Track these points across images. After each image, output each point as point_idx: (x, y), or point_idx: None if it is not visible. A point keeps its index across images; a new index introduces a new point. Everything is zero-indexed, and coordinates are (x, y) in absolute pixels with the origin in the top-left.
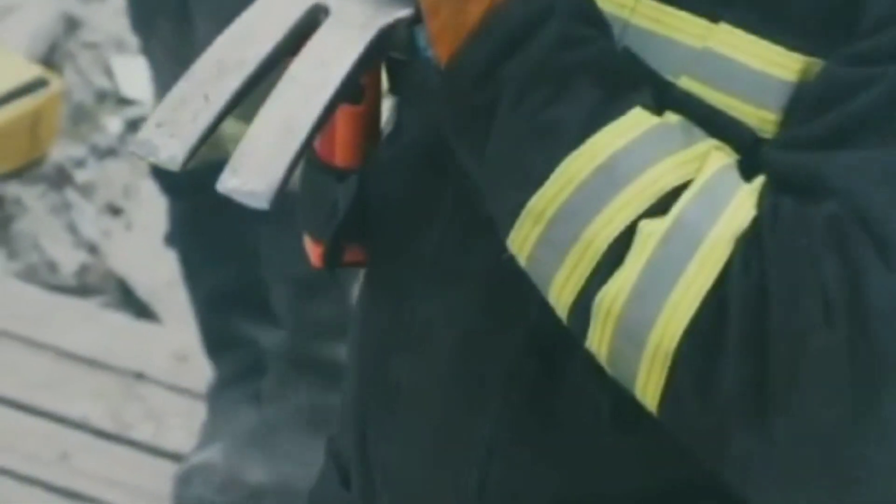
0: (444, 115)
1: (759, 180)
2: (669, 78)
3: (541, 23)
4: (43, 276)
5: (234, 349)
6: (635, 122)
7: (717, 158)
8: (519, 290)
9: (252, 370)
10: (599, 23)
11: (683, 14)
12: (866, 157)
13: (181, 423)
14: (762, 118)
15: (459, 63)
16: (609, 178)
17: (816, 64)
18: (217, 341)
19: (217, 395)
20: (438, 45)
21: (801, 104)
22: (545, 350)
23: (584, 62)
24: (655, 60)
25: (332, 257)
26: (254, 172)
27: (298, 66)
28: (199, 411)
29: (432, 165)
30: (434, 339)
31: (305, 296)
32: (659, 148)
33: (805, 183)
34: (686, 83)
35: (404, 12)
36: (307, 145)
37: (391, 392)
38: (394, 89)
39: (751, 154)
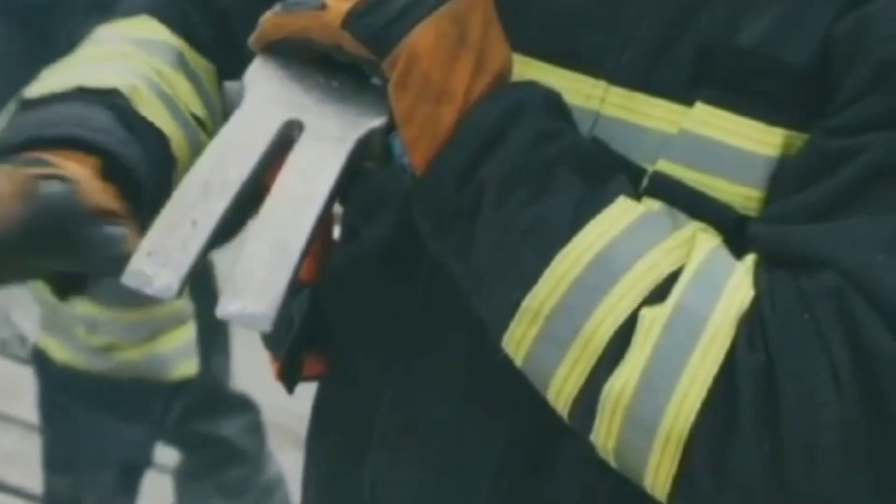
0: (423, 220)
1: (751, 258)
2: (646, 163)
3: (514, 121)
4: (13, 349)
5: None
6: (621, 212)
7: (705, 240)
8: (503, 383)
9: (219, 462)
10: (567, 114)
11: (656, 100)
12: (861, 226)
13: None
14: (745, 195)
15: (437, 169)
16: (604, 271)
17: (798, 138)
18: (183, 444)
19: (185, 487)
20: (414, 152)
21: (786, 178)
22: (533, 441)
23: (561, 156)
24: (630, 147)
25: (291, 372)
26: (253, 295)
27: (283, 184)
28: None
29: (396, 268)
30: (413, 438)
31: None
32: (648, 236)
33: (799, 256)
34: (664, 166)
35: (378, 122)
36: (302, 262)
37: (365, 497)
38: (346, 198)
39: (736, 232)
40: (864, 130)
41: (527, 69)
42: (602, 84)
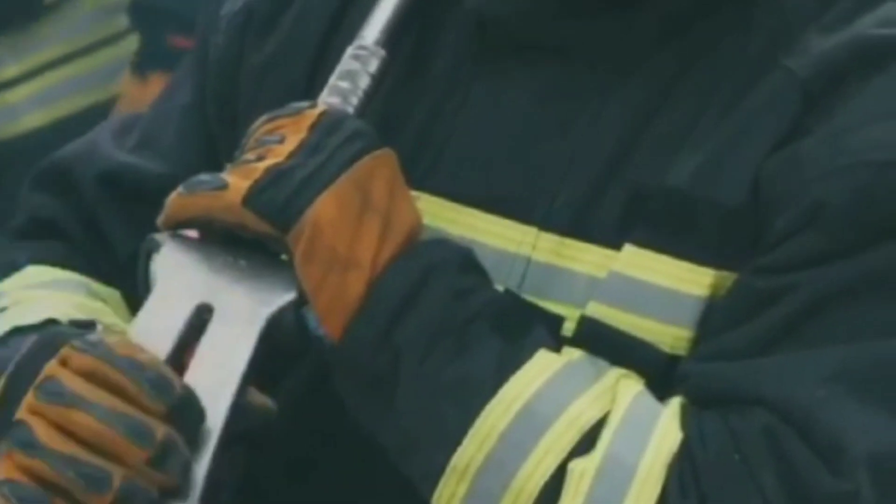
0: (344, 389)
1: (679, 400)
2: (575, 307)
3: (427, 283)
4: None
5: None
6: (543, 365)
7: (628, 386)
8: None
9: None
10: (481, 269)
11: (585, 245)
12: (794, 362)
13: None
14: (675, 335)
15: (352, 337)
16: (529, 425)
17: (727, 277)
18: None
19: None
20: (328, 323)
21: (716, 317)
22: None
23: (478, 313)
24: (561, 292)
25: None
26: None
27: (196, 372)
28: None
29: (310, 427)
30: None
31: None
32: (572, 386)
33: (729, 394)
34: (594, 309)
35: (287, 298)
36: (221, 448)
37: None
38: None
39: (666, 373)
40: (795, 269)
41: (456, 215)
42: (533, 230)
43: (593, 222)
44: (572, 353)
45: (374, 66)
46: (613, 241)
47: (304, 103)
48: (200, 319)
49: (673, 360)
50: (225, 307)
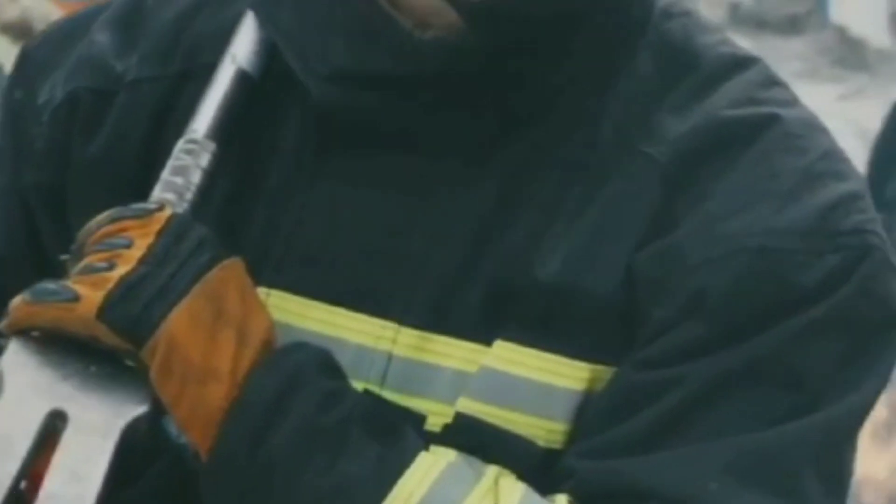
0: (211, 498)
1: (564, 498)
2: (444, 402)
3: (292, 388)
4: None
5: None
6: (426, 467)
7: (510, 485)
8: None
9: None
10: (340, 371)
11: (452, 340)
12: (687, 455)
13: None
14: (549, 429)
15: (221, 449)
16: None
17: (605, 371)
18: None
19: None
20: (191, 433)
21: (597, 412)
22: None
23: (349, 416)
24: (425, 387)
25: None
26: None
27: (52, 485)
28: None
29: None
30: None
31: None
32: (459, 487)
33: (622, 490)
34: (466, 405)
35: (141, 409)
36: None
37: None
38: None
39: (540, 467)
40: (678, 361)
41: (312, 311)
42: (393, 325)
43: (455, 317)
44: (448, 454)
45: (205, 160)
46: (481, 336)
47: (151, 205)
48: (53, 426)
49: (548, 454)
50: (79, 416)
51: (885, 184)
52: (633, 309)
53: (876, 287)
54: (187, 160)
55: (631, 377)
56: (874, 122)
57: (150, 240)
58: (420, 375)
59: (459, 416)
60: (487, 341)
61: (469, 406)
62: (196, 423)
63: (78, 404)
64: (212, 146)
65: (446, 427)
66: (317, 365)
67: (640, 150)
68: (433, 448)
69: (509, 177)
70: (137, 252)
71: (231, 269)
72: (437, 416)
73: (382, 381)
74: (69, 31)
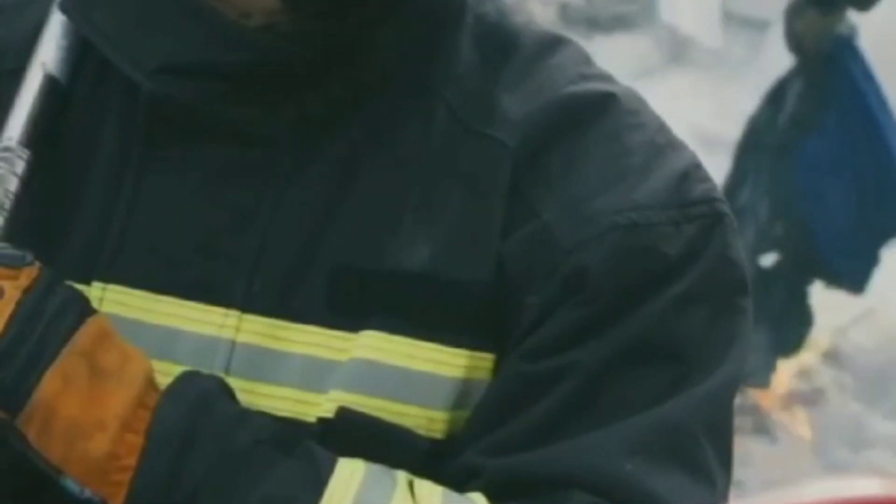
0: None
1: (479, 496)
2: (298, 388)
3: (198, 416)
4: None
5: None
6: (348, 475)
7: (426, 486)
8: None
9: None
10: (233, 393)
11: (301, 326)
12: (597, 439)
13: None
14: (429, 418)
15: (141, 490)
16: None
17: (483, 358)
18: None
19: None
20: (92, 486)
21: (492, 405)
22: None
23: (258, 437)
24: (275, 373)
25: None
26: None
27: None
28: None
29: None
30: None
31: None
32: (380, 490)
33: (539, 481)
34: (339, 397)
35: None
36: None
37: None
38: None
39: (425, 456)
40: (567, 347)
41: (151, 304)
42: (234, 313)
43: (299, 303)
44: (356, 462)
45: (20, 167)
46: (337, 323)
47: (23, 256)
48: None
49: (431, 444)
50: None
51: (737, 190)
52: (507, 296)
53: (730, 253)
54: (2, 168)
55: (522, 368)
56: (707, 120)
57: (17, 296)
58: (267, 362)
59: (341, 410)
60: (348, 329)
61: (343, 398)
62: (94, 477)
63: None
64: (26, 153)
65: (331, 422)
66: (217, 390)
67: (484, 133)
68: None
69: (341, 166)
70: (7, 308)
71: (99, 324)
72: (287, 400)
73: (227, 370)
74: None
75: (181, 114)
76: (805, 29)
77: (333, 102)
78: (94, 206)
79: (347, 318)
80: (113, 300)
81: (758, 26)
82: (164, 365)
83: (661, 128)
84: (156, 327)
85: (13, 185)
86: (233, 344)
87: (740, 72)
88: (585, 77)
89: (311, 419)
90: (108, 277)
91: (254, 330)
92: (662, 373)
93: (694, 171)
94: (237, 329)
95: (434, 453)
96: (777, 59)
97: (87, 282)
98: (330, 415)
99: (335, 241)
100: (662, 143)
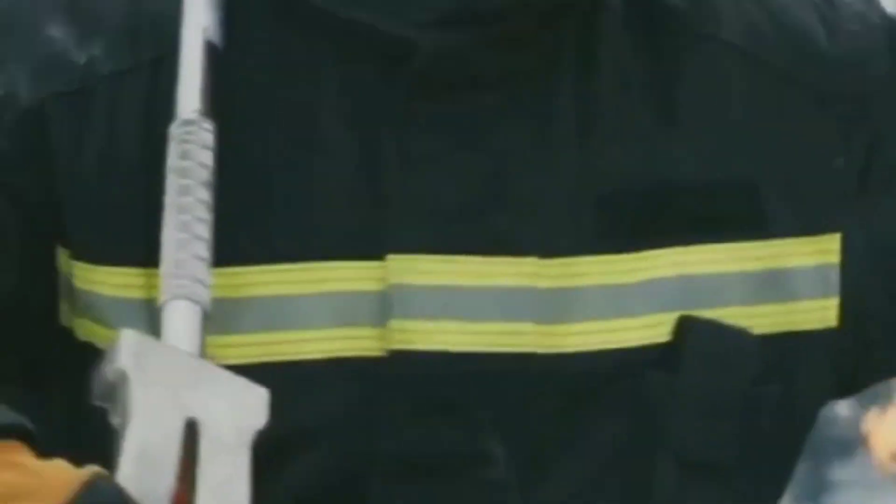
0: None
1: None
2: (626, 319)
3: None
4: None
5: None
6: None
7: None
8: None
9: None
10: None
11: (602, 258)
12: None
13: None
14: (749, 314)
15: None
16: None
17: (829, 239)
18: None
19: None
20: None
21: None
22: None
23: None
24: (578, 311)
25: None
26: None
27: None
28: None
29: None
30: None
31: None
32: None
33: None
34: (654, 319)
35: (261, 422)
36: None
37: None
38: None
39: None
40: None
41: (458, 266)
42: (531, 260)
43: (586, 236)
44: None
45: (208, 139)
46: (625, 246)
47: None
48: (190, 438)
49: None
50: (211, 429)
51: None
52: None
53: None
54: (190, 142)
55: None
56: None
57: None
58: (568, 302)
59: (680, 324)
60: (642, 249)
61: (659, 319)
62: None
63: (209, 414)
64: (210, 124)
65: (663, 344)
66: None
67: (720, 38)
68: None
69: (584, 89)
70: None
71: None
72: (597, 334)
73: (538, 318)
74: (6, 22)
75: (450, 66)
76: None
77: (588, 38)
78: (335, 175)
79: (638, 238)
80: (415, 270)
81: None
82: (477, 325)
83: None
84: (462, 290)
85: (207, 157)
86: (535, 291)
87: None
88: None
89: (640, 343)
90: (402, 248)
91: (550, 273)
92: None
93: None
94: (537, 276)
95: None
96: None
97: (379, 256)
98: (664, 338)
99: (601, 165)
100: None
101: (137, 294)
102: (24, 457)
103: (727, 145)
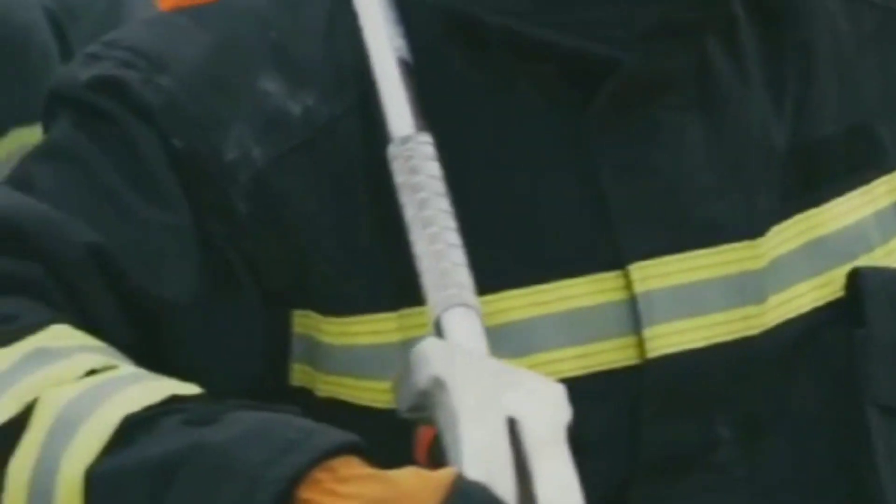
0: None
1: None
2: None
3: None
4: None
5: None
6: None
7: None
8: None
9: None
10: None
11: (821, 207)
12: None
13: None
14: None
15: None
16: None
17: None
18: None
19: None
20: None
21: None
22: None
23: None
24: (818, 264)
25: None
26: None
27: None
28: None
29: None
30: None
31: None
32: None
33: None
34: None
35: (567, 415)
36: None
37: None
38: None
39: None
40: None
41: (690, 263)
42: (745, 243)
43: (776, 209)
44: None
45: (430, 152)
46: (801, 206)
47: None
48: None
49: None
50: (529, 426)
51: None
52: None
53: None
54: (412, 159)
55: None
56: None
57: None
58: (766, 277)
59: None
60: (805, 208)
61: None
62: None
63: (524, 412)
64: (427, 138)
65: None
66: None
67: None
68: None
69: (766, 57)
70: None
71: None
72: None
73: (755, 300)
74: (221, 79)
75: (649, 77)
76: None
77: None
78: (558, 193)
79: (805, 199)
80: (658, 274)
81: None
82: (709, 318)
83: None
84: (695, 285)
85: (434, 168)
86: (749, 274)
87: None
88: None
89: (815, 305)
90: (641, 255)
91: (758, 253)
92: None
93: None
94: (750, 258)
95: None
96: None
97: (617, 267)
98: (835, 295)
99: (778, 135)
100: None
101: (395, 338)
102: (375, 469)
103: (849, 88)
